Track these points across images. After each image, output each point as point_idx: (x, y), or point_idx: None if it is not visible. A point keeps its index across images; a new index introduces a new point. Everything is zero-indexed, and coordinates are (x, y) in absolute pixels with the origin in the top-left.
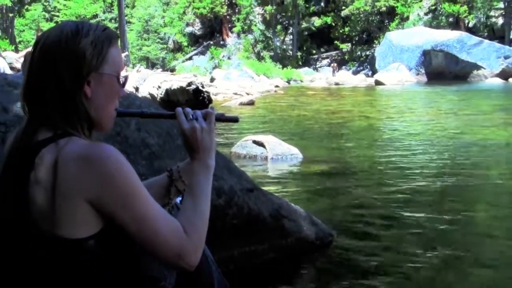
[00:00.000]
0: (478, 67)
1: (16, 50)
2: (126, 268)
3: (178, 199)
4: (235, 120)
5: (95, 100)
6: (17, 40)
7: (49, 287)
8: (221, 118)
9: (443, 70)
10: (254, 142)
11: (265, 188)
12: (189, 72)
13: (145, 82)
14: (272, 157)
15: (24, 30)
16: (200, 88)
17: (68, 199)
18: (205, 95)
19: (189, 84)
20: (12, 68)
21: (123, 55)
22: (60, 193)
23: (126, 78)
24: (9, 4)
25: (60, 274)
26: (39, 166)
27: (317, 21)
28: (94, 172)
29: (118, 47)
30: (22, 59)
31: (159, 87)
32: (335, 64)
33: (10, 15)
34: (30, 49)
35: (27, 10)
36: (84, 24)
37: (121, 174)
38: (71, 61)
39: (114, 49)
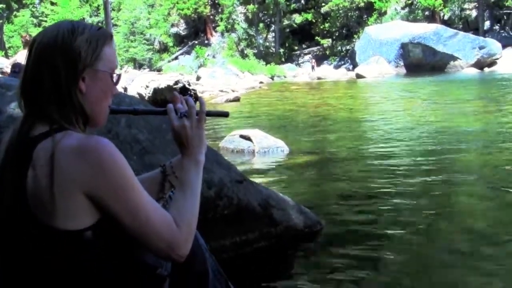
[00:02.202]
0: (454, 58)
1: (6, 56)
2: (123, 258)
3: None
4: (225, 115)
5: (89, 96)
6: (7, 46)
7: (48, 278)
8: (211, 113)
9: (421, 62)
10: (241, 136)
11: (253, 180)
12: (175, 71)
13: (133, 82)
14: (259, 151)
15: (13, 36)
16: (187, 86)
17: (65, 191)
18: (192, 93)
19: (176, 82)
20: (2, 73)
21: None
22: (57, 185)
23: (119, 76)
24: None
25: (58, 265)
26: (36, 160)
27: (298, 18)
28: (89, 164)
29: (112, 46)
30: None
31: (147, 86)
32: (314, 60)
33: (0, 21)
34: (17, 57)
35: (16, 16)
36: (79, 23)
37: (115, 166)
38: (66, 57)
39: (108, 48)
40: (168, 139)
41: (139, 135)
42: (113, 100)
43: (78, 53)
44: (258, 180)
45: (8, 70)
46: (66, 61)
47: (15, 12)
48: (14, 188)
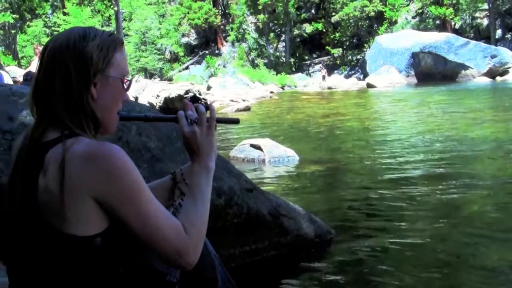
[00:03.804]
0: (465, 67)
1: (19, 65)
2: (132, 264)
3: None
4: (235, 121)
5: (100, 102)
6: (20, 55)
7: (56, 283)
8: (222, 120)
9: (432, 71)
10: (252, 145)
11: (263, 189)
12: (186, 81)
13: (144, 92)
14: (269, 160)
15: (26, 46)
16: (198, 95)
17: (75, 196)
18: (203, 102)
19: (187, 92)
20: (15, 82)
21: None
22: (68, 190)
23: (130, 82)
24: (11, 21)
25: (67, 270)
26: (47, 165)
27: (308, 28)
28: (99, 169)
29: (123, 52)
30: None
31: (158, 96)
32: (325, 70)
33: (13, 31)
34: (31, 67)
35: (29, 26)
36: (91, 29)
37: (125, 172)
38: (78, 62)
39: (119, 54)
40: (178, 147)
41: (149, 143)
42: (124, 108)
43: (90, 59)
44: (268, 189)
45: (21, 79)
46: (77, 67)
47: (28, 22)
48: (25, 193)
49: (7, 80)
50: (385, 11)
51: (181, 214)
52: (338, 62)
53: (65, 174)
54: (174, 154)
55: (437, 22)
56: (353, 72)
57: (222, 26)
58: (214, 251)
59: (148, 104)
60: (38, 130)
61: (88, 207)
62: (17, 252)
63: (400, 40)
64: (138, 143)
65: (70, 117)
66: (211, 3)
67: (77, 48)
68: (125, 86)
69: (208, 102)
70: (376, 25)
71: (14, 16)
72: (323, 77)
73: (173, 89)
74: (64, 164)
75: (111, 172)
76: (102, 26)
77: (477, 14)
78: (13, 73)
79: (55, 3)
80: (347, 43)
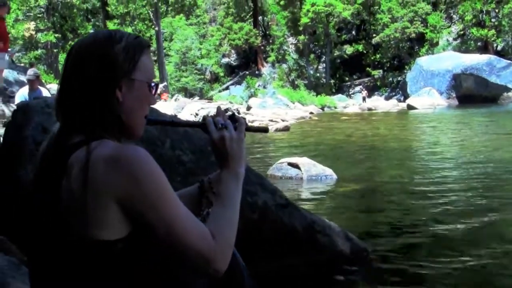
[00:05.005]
0: (508, 90)
1: None
2: (155, 272)
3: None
4: (264, 130)
5: (126, 105)
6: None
7: (76, 286)
8: (251, 128)
9: (473, 93)
10: (289, 164)
11: (300, 206)
12: (225, 100)
13: (183, 110)
14: (307, 178)
15: None
16: (236, 114)
17: (98, 199)
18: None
19: (226, 110)
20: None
21: (161, 85)
22: (91, 193)
23: (157, 86)
24: (54, 40)
25: (88, 274)
26: (71, 168)
27: (348, 49)
28: (124, 172)
29: (149, 56)
30: None
31: (197, 114)
32: (366, 91)
33: (55, 50)
34: None
35: (70, 46)
36: (117, 32)
37: (150, 175)
38: (104, 65)
39: (146, 57)
40: (212, 160)
41: (183, 156)
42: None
43: (116, 61)
44: (305, 206)
45: None
46: (103, 69)
47: (70, 42)
48: (49, 195)
49: (47, 95)
50: (426, 33)
51: (209, 220)
52: (378, 83)
53: (88, 177)
54: (209, 168)
55: (479, 43)
56: (393, 93)
57: (262, 47)
58: (243, 262)
59: None
60: (62, 133)
61: (111, 211)
62: (39, 254)
63: (441, 62)
64: (172, 156)
65: (95, 120)
66: (252, 24)
67: (103, 50)
68: (152, 91)
69: (247, 122)
70: (417, 47)
71: (57, 35)
72: (364, 99)
73: (212, 108)
74: (87, 167)
75: (136, 176)
76: None
77: None
78: (53, 91)
79: (97, 23)
80: (388, 65)
